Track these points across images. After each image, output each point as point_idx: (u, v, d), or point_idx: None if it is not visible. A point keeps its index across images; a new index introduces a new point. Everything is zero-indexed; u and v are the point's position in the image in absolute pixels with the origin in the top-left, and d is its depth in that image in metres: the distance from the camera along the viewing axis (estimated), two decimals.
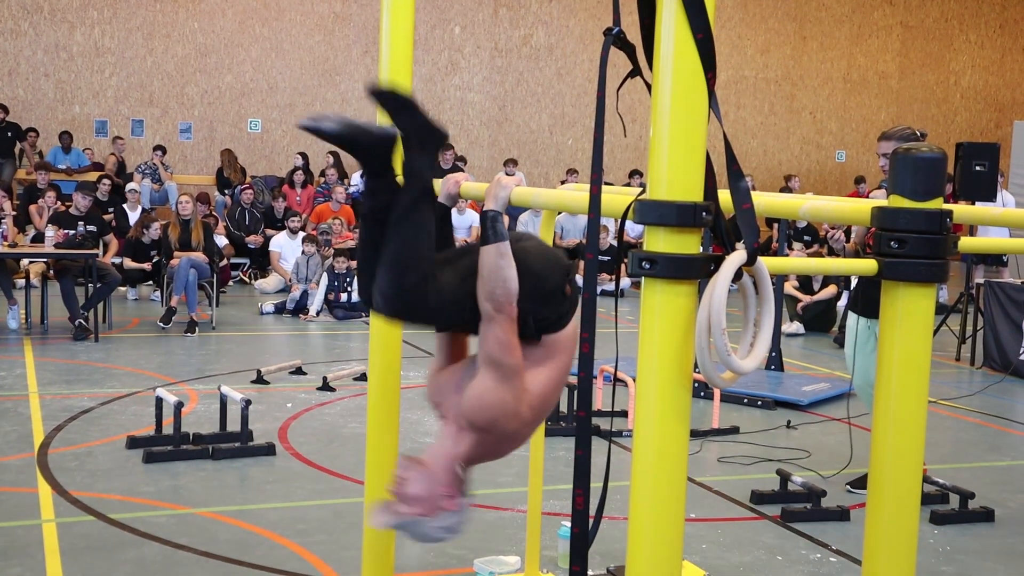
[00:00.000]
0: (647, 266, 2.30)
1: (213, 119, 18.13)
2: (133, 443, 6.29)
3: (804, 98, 21.43)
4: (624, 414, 7.34)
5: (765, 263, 2.44)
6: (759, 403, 7.99)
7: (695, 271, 2.32)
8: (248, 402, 6.38)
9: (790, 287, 12.03)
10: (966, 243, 2.88)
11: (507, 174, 17.42)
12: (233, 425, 6.41)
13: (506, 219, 3.24)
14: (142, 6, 17.52)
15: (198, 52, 17.92)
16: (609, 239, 14.40)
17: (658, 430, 2.34)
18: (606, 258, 13.70)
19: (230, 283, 13.65)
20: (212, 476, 5.90)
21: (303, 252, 12.24)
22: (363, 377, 8.20)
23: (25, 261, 10.93)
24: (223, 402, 6.46)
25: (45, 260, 10.31)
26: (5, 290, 10.09)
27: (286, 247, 13.31)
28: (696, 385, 8.01)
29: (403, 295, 2.91)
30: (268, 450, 6.32)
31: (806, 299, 11.81)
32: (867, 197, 6.13)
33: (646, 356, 2.33)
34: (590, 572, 4.58)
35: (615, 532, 4.89)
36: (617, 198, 2.51)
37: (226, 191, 15.99)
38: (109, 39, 17.47)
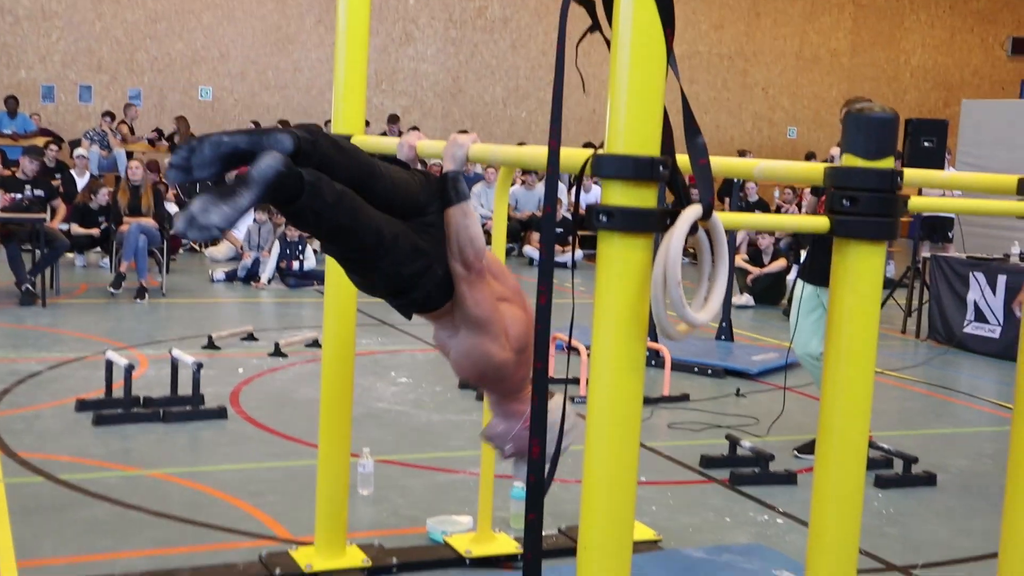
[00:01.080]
0: (604, 219, 2.33)
1: (163, 86, 17.91)
2: (82, 406, 6.24)
3: (757, 74, 21.58)
4: (577, 381, 7.40)
5: (720, 218, 2.48)
6: (709, 372, 8.08)
7: (652, 224, 2.35)
8: (200, 365, 6.36)
9: (740, 260, 12.15)
10: (916, 203, 2.95)
11: None
12: (184, 389, 6.38)
13: None
14: None
15: (148, 18, 17.68)
16: (563, 211, 14.45)
17: (613, 380, 2.38)
18: (559, 230, 13.74)
19: (180, 250, 13.53)
20: (163, 438, 5.88)
21: (255, 220, 12.15)
22: (315, 343, 8.19)
23: None
24: (174, 366, 6.42)
25: None
26: None
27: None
28: (647, 353, 8.09)
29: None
30: (220, 413, 6.30)
31: (756, 271, 11.92)
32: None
33: (602, 308, 2.36)
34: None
35: (566, 495, 4.95)
36: (575, 153, 2.53)
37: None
38: (56, 3, 17.19)
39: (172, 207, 13.34)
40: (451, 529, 4.59)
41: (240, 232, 12.63)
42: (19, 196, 10.10)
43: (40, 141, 14.62)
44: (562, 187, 14.72)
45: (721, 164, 2.93)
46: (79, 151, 14.23)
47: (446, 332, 3.19)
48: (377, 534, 4.60)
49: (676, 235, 2.30)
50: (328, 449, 4.24)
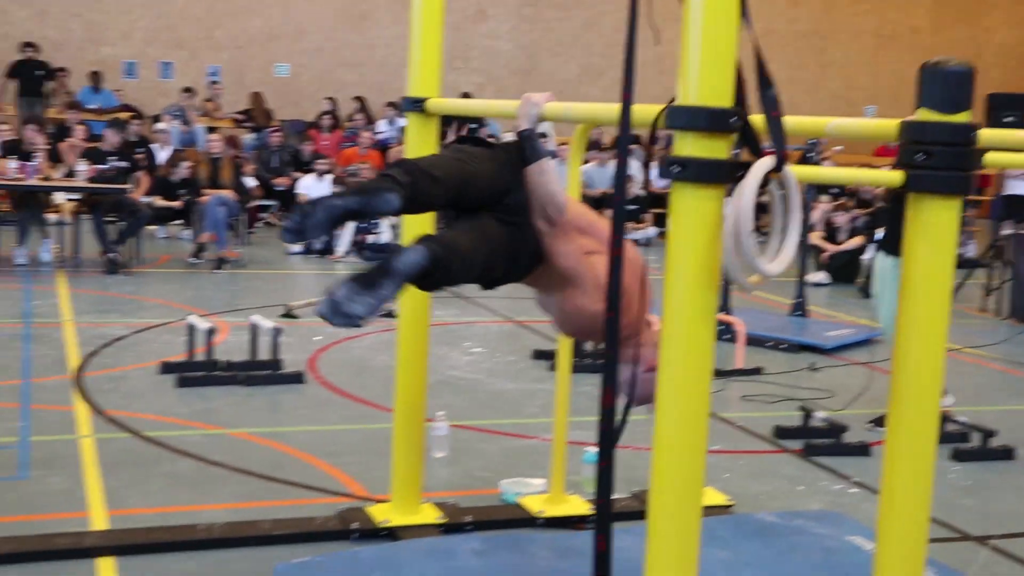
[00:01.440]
0: (677, 170, 2.37)
1: (241, 63, 18.17)
2: (166, 368, 6.41)
3: (834, 52, 21.27)
4: None
5: (793, 171, 2.51)
6: (783, 346, 8.04)
7: (724, 175, 2.38)
8: (279, 331, 6.50)
9: (816, 238, 12.04)
10: (991, 158, 2.93)
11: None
12: (263, 355, 6.52)
13: None
14: None
15: None
16: (636, 189, 14.43)
17: (685, 328, 2.42)
18: (634, 206, 13.78)
19: (258, 224, 13.76)
20: (243, 401, 6.03)
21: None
22: (390, 314, 8.27)
23: (58, 197, 11.05)
24: (253, 331, 6.57)
25: (78, 196, 10.44)
26: (39, 223, 10.24)
27: (313, 189, 13.35)
28: (722, 327, 8.08)
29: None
30: (297, 378, 6.44)
31: (832, 249, 11.82)
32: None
33: (674, 258, 2.40)
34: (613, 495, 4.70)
35: (637, 461, 4.99)
36: (647, 108, 2.57)
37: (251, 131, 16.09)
38: None
39: (251, 181, 13.59)
40: (524, 490, 4.66)
41: None
42: (103, 167, 10.36)
43: (123, 116, 14.93)
44: (635, 164, 14.68)
45: (792, 123, 2.96)
46: (160, 126, 14.53)
47: (543, 294, 3.29)
48: (452, 494, 4.69)
49: (749, 185, 2.33)
50: (403, 410, 4.32)
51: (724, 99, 2.36)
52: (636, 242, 13.42)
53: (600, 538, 2.57)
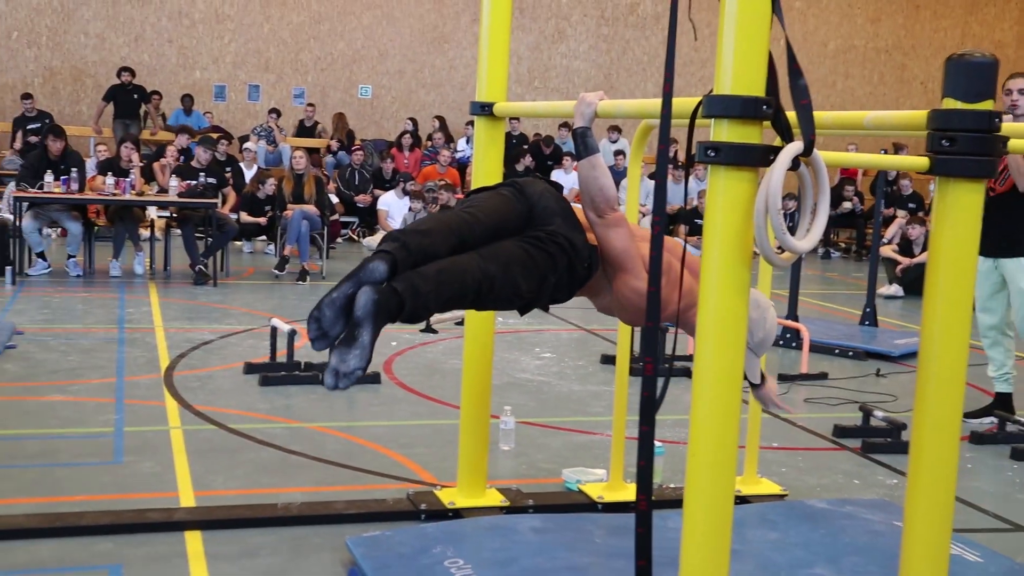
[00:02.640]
0: (712, 154, 2.57)
1: (325, 85, 18.68)
2: (250, 368, 6.74)
3: (915, 68, 21.16)
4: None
5: (821, 155, 2.70)
6: (850, 353, 8.13)
7: (755, 159, 2.58)
8: None
9: (889, 251, 12.06)
10: (1015, 144, 3.08)
11: (611, 141, 17.63)
12: None
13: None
14: None
15: (312, 19, 18.48)
16: (695, 202, 14.56)
17: (719, 303, 2.60)
18: (697, 221, 13.86)
19: (339, 240, 14.16)
20: (322, 398, 6.32)
21: (410, 209, 12.66)
22: (463, 322, 8.56)
23: (152, 213, 11.55)
24: None
25: (169, 212, 10.91)
26: (132, 237, 10.72)
27: (393, 206, 13.75)
28: (788, 335, 8.20)
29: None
30: (374, 379, 6.71)
31: (906, 262, 11.82)
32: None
33: (710, 237, 2.60)
34: (671, 484, 4.87)
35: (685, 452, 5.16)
36: (687, 101, 2.79)
37: (334, 150, 16.56)
38: (229, 6, 18.12)
39: (334, 197, 14.02)
40: (585, 479, 4.86)
41: (396, 221, 13.16)
42: (194, 183, 10.81)
43: (216, 136, 15.47)
44: (695, 184, 14.82)
45: (832, 119, 3.14)
46: (247, 145, 15.05)
47: (601, 298, 3.51)
48: (516, 482, 4.90)
49: (778, 167, 2.52)
50: (470, 400, 4.56)
51: (757, 89, 2.55)
52: None
53: (641, 498, 2.76)
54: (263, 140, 16.31)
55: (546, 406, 6.38)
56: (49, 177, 10.12)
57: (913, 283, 11.74)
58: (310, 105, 17.79)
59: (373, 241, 13.82)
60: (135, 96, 16.51)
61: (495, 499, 4.51)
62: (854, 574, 3.69)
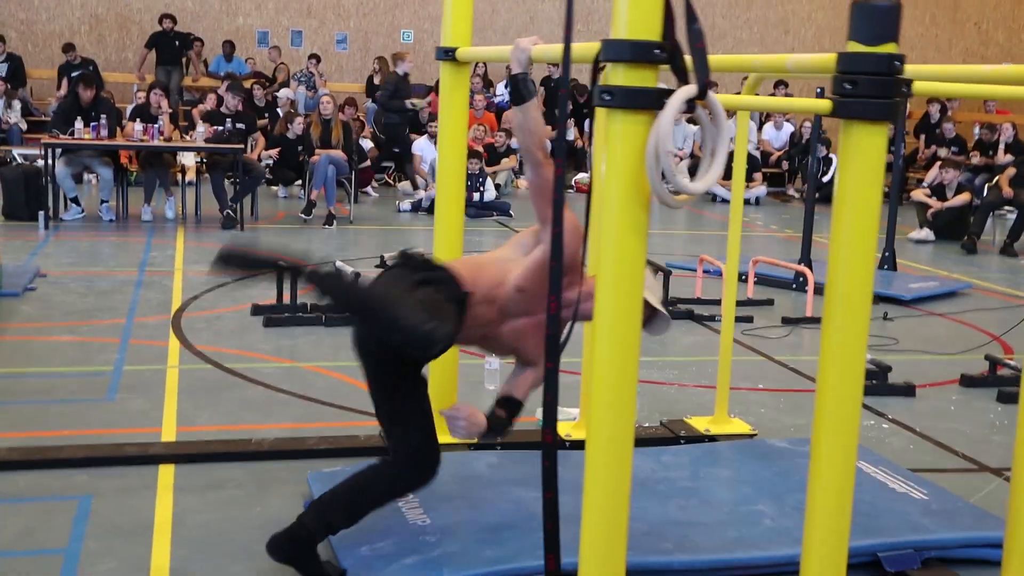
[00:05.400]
0: (607, 98, 2.62)
1: (368, 29, 18.74)
2: (256, 310, 6.91)
3: (968, 8, 20.65)
4: (719, 302, 7.60)
5: (717, 98, 2.73)
6: None
7: (649, 102, 2.62)
8: (358, 275, 6.90)
9: (921, 194, 11.92)
10: (919, 87, 3.09)
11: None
12: None
13: None
14: None
15: None
16: (751, 148, 14.45)
17: (618, 244, 2.66)
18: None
19: (373, 184, 14.30)
20: (321, 339, 6.47)
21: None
22: None
23: (185, 158, 11.75)
24: None
25: (199, 157, 11.10)
26: (163, 183, 10.94)
27: (427, 150, 13.82)
28: (801, 279, 8.18)
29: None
30: None
31: (937, 205, 11.67)
32: None
33: (609, 179, 2.65)
34: (646, 424, 4.96)
35: (679, 395, 5.23)
36: (591, 45, 2.83)
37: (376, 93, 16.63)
38: None
39: (367, 144, 14.14)
40: (560, 418, 4.95)
41: (426, 165, 13.24)
42: (221, 128, 10.98)
43: (249, 83, 15.64)
44: (752, 125, 14.69)
45: (762, 60, 3.16)
46: (283, 91, 15.17)
47: (503, 319, 3.55)
48: None
49: (667, 109, 2.56)
50: None
51: (650, 33, 2.59)
52: (747, 201, 13.46)
53: (546, 431, 2.85)
54: (303, 86, 16.43)
55: None
56: (79, 124, 10.35)
57: (944, 227, 11.60)
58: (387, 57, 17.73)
59: (408, 186, 13.93)
60: (176, 43, 16.69)
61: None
62: (794, 510, 3.75)
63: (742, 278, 7.77)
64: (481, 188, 12.08)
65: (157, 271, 8.32)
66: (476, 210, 12.01)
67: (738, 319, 7.17)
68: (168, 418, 4.92)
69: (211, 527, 3.78)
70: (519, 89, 3.47)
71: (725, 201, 14.18)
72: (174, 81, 16.53)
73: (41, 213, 10.12)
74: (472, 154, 12.54)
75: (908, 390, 5.69)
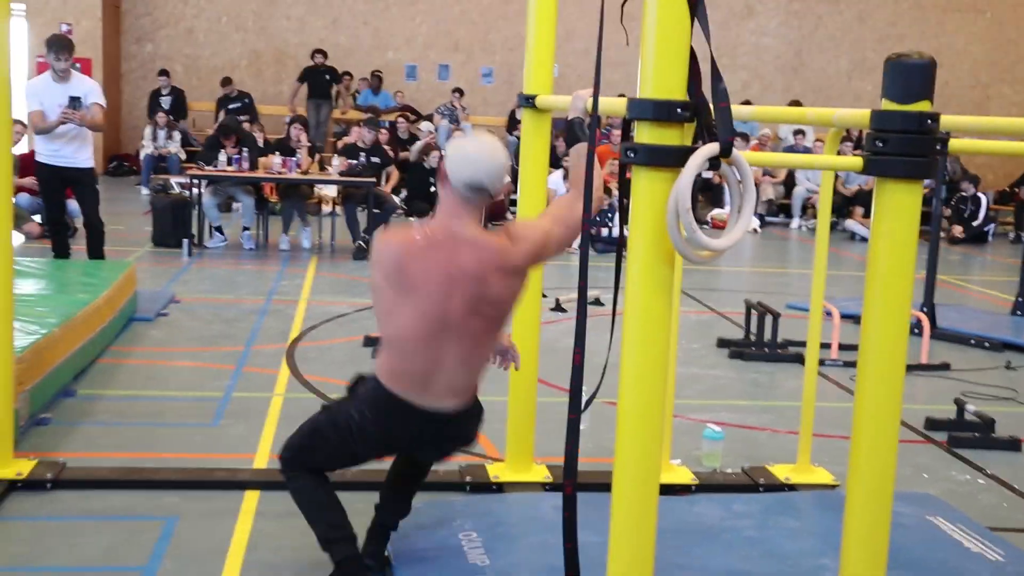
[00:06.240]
0: (632, 155, 2.70)
1: (512, 64, 19.05)
2: (368, 342, 7.13)
3: None
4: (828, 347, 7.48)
5: (743, 156, 2.77)
6: (986, 344, 7.85)
7: (672, 160, 2.68)
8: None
9: None
10: (955, 144, 3.04)
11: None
12: None
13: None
14: None
15: (502, 0, 18.86)
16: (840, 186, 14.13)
17: (644, 301, 2.72)
18: None
19: (508, 216, 14.50)
20: None
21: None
22: (596, 302, 8.74)
23: (321, 190, 12.18)
24: None
25: (337, 190, 11.51)
26: (300, 214, 11.37)
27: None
28: (912, 321, 7.98)
29: None
30: None
31: None
32: None
33: (634, 235, 2.72)
34: (728, 469, 4.95)
35: (765, 439, 5.19)
36: (618, 100, 2.91)
37: (514, 132, 16.87)
38: None
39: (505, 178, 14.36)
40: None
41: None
42: (355, 162, 11.36)
43: (393, 116, 16.12)
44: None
45: (783, 112, 3.17)
46: (425, 124, 15.57)
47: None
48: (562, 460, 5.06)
49: (688, 168, 2.62)
50: (518, 379, 4.77)
51: (675, 92, 2.65)
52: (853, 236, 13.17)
53: (567, 483, 2.92)
54: (446, 119, 16.83)
55: None
56: (223, 156, 10.87)
57: None
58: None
59: None
60: (327, 77, 17.32)
61: (540, 475, 4.70)
62: None
63: (855, 320, 7.62)
64: (610, 224, 12.13)
65: (283, 299, 8.67)
66: (603, 245, 12.08)
67: (846, 364, 7.08)
68: (264, 445, 5.15)
69: (282, 552, 3.96)
70: (574, 131, 3.67)
71: (864, 240, 13.87)
72: (323, 114, 17.16)
73: (185, 240, 10.65)
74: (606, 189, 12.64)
75: (1013, 444, 5.51)
